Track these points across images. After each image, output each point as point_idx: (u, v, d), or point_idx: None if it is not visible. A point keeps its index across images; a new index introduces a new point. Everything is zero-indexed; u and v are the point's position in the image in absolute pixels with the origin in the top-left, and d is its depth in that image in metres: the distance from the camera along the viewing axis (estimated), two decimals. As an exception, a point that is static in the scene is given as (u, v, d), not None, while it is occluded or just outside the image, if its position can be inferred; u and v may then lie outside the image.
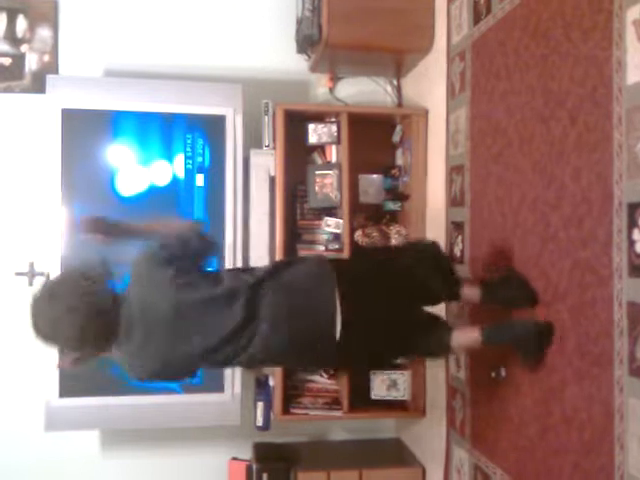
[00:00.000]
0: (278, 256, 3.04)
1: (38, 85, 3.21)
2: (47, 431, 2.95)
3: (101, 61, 3.35)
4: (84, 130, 3.00)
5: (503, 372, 2.39)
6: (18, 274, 3.23)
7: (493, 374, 2.43)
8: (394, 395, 3.24)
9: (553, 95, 2.11)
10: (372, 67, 3.45)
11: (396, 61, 3.35)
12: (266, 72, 3.45)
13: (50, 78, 3.04)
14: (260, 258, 3.06)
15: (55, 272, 2.92)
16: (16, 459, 3.23)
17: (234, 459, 3.22)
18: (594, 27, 1.90)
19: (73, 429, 3.07)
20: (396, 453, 3.39)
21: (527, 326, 2.15)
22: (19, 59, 3.33)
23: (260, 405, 3.16)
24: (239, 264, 3.03)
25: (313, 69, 3.46)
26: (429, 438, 3.14)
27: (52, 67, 3.32)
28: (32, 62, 3.33)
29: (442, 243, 2.91)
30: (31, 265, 3.22)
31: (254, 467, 3.09)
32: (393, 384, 3.23)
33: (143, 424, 3.08)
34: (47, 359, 2.88)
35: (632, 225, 1.74)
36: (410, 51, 3.21)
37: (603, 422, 1.84)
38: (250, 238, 3.12)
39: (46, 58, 3.34)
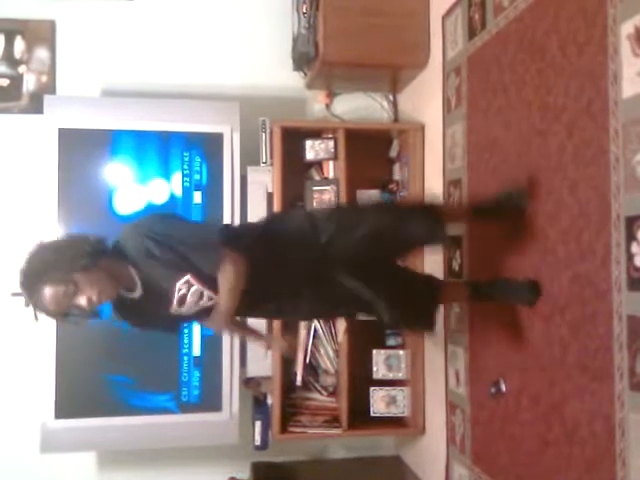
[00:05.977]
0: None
1: (36, 105, 3.21)
2: (43, 453, 2.92)
3: (98, 81, 3.36)
4: (81, 149, 3.00)
5: (503, 387, 2.37)
6: (14, 294, 3.20)
7: (492, 390, 2.41)
8: (393, 412, 3.21)
9: (549, 109, 2.11)
10: (368, 83, 3.47)
11: (392, 77, 3.37)
12: (263, 90, 3.46)
13: (47, 98, 3.05)
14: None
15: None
16: (12, 481, 3.20)
17: (232, 479, 3.18)
18: (589, 41, 1.91)
19: (69, 451, 3.04)
20: (396, 470, 3.36)
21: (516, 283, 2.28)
22: (17, 80, 3.34)
23: (258, 424, 3.13)
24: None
25: (309, 86, 3.47)
26: (429, 455, 3.11)
27: (49, 87, 3.33)
28: (30, 83, 3.34)
29: (440, 258, 2.91)
30: (28, 285, 3.20)
31: (253, 487, 3.06)
32: (392, 401, 3.21)
33: (140, 444, 3.05)
34: (43, 380, 2.88)
35: (630, 238, 1.73)
36: (406, 67, 3.22)
37: (604, 437, 1.82)
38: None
39: (44, 79, 3.35)
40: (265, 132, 3.16)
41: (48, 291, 1.85)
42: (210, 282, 2.01)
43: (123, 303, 2.05)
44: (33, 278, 1.88)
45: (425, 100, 3.21)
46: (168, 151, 3.07)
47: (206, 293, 2.04)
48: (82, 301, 1.87)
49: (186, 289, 2.02)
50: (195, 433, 3.01)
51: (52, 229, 2.92)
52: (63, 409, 2.90)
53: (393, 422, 3.24)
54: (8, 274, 3.19)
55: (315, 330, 3.18)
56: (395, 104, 3.56)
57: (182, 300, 2.03)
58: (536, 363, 2.18)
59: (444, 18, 2.95)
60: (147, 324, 2.18)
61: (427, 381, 3.15)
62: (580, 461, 1.93)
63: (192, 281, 2.01)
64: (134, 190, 3.02)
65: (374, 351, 3.24)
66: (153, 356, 3.00)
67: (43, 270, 1.86)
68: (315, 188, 3.21)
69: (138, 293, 2.02)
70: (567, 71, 2.02)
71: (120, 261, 1.98)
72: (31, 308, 1.92)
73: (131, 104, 3.08)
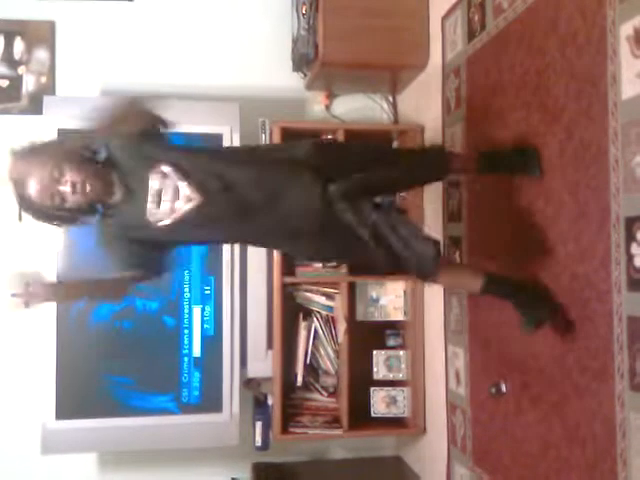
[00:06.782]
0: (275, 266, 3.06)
1: (35, 106, 3.21)
2: (44, 454, 2.92)
3: (98, 82, 3.35)
4: (81, 150, 3.00)
5: (503, 387, 2.37)
6: (14, 296, 3.20)
7: (493, 390, 2.42)
8: (394, 412, 3.22)
9: (548, 110, 2.12)
10: (368, 84, 3.47)
11: (392, 78, 3.37)
12: (263, 90, 3.46)
13: (47, 99, 3.05)
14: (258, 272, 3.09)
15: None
16: (13, 483, 3.20)
17: (233, 480, 3.19)
18: (588, 43, 1.91)
19: (70, 452, 3.04)
20: (397, 471, 3.36)
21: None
22: (16, 81, 3.34)
23: (259, 425, 3.13)
24: (236, 273, 3.05)
25: (309, 87, 3.47)
26: (430, 455, 3.12)
27: (49, 88, 3.33)
28: (29, 83, 3.34)
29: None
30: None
31: (253, 488, 3.06)
32: (393, 401, 3.21)
33: (141, 446, 3.04)
34: (44, 381, 2.88)
35: (630, 239, 1.74)
36: (405, 68, 3.22)
37: (605, 438, 1.83)
38: (247, 254, 3.12)
39: (43, 79, 3.35)
40: (265, 133, 3.16)
41: (34, 173, 1.87)
42: (188, 176, 1.98)
43: (107, 218, 2.04)
44: (22, 162, 1.91)
45: (425, 101, 3.21)
46: (168, 152, 3.06)
47: (182, 188, 1.97)
48: (67, 186, 1.88)
49: (161, 182, 1.98)
50: (195, 434, 3.01)
51: (50, 231, 2.91)
52: (64, 410, 2.90)
53: (393, 422, 3.24)
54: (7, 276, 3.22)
55: (315, 331, 3.18)
56: (395, 105, 3.57)
57: (158, 196, 1.97)
58: (536, 363, 2.18)
59: (443, 19, 2.95)
60: (132, 241, 2.04)
61: (427, 381, 3.15)
62: (581, 461, 1.94)
63: (168, 172, 1.98)
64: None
65: (374, 352, 3.24)
66: (153, 357, 3.00)
67: (32, 154, 1.91)
68: (315, 189, 3.20)
69: (119, 196, 2.00)
70: (566, 72, 2.03)
71: (105, 168, 2.00)
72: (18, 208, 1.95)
73: (131, 105, 3.08)
